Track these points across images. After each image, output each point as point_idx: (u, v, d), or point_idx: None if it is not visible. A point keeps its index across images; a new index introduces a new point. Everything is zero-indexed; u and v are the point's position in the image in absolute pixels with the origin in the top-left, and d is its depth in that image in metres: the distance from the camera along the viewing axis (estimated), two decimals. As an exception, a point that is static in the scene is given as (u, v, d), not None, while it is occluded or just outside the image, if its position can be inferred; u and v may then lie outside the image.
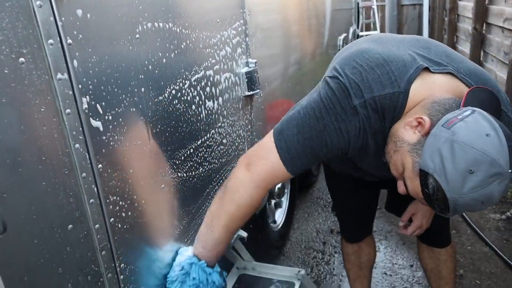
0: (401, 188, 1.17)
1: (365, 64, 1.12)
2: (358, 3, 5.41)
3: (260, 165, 1.24)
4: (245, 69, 1.65)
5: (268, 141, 1.23)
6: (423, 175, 1.04)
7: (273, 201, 2.69)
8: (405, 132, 1.10)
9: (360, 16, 5.40)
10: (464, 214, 3.02)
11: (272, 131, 1.25)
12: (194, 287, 1.26)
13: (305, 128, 1.17)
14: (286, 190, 2.83)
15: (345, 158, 1.32)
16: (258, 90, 1.69)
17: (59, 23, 0.80)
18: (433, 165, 1.00)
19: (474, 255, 2.68)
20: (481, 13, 4.45)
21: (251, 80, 1.65)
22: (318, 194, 3.50)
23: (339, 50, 4.20)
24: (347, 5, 4.59)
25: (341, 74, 1.13)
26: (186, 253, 1.30)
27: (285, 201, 2.84)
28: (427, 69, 1.14)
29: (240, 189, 1.26)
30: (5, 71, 0.71)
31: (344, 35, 4.16)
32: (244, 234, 1.87)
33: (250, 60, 1.69)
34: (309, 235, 2.99)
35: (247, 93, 1.64)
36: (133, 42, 1.00)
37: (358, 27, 5.31)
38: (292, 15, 2.45)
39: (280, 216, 2.79)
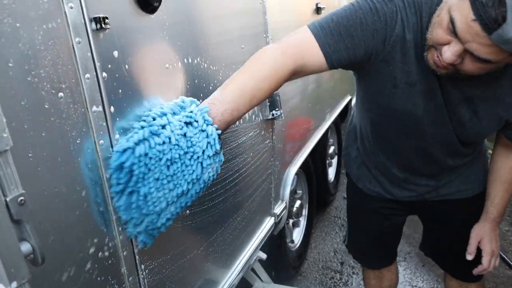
0: (447, 54, 1.03)
1: None
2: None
3: (290, 38, 1.16)
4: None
5: (300, 28, 1.18)
6: None
7: (291, 221, 2.69)
8: None
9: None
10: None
11: None
12: (187, 120, 0.96)
13: (339, 11, 1.14)
14: (304, 210, 2.83)
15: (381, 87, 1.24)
16: (280, 113, 1.71)
17: (96, 58, 0.83)
18: None
19: (498, 278, 2.64)
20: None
21: (273, 103, 1.67)
22: (336, 213, 3.48)
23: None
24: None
25: None
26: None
27: (303, 220, 2.84)
28: None
29: (265, 53, 1.12)
30: (46, 106, 0.74)
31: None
32: (263, 255, 1.88)
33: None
34: (326, 255, 2.97)
35: (270, 116, 1.66)
36: (163, 80, 1.03)
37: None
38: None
39: (297, 235, 2.79)
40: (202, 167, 0.98)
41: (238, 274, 1.60)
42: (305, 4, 2.30)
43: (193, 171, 0.97)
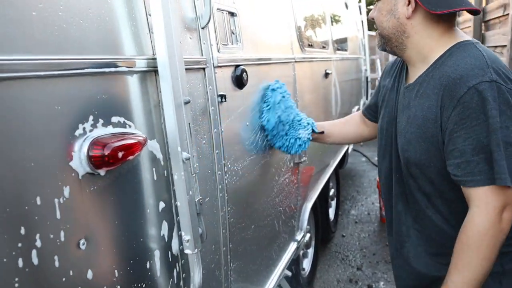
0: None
1: None
2: (367, 77, 6.10)
3: None
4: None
5: None
6: None
7: (301, 252, 3.12)
8: None
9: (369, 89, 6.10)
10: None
11: None
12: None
13: None
14: (312, 242, 3.27)
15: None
16: (306, 159, 2.21)
17: (219, 119, 1.32)
18: None
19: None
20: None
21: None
22: (336, 249, 3.92)
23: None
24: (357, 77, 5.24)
25: None
26: None
27: (311, 251, 3.28)
28: None
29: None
30: (202, 145, 1.22)
31: (356, 107, 4.78)
32: (289, 273, 2.32)
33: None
34: (330, 284, 3.38)
35: (300, 161, 2.15)
36: (247, 134, 1.54)
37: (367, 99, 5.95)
38: (321, 96, 3.03)
39: (307, 265, 3.22)
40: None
41: (274, 286, 2.03)
42: (319, 72, 2.87)
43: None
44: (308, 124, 1.70)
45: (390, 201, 1.40)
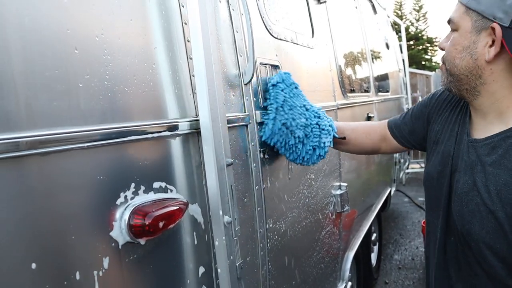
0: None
1: None
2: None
3: None
4: (339, 191, 2.10)
5: None
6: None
7: (343, 301, 2.99)
8: None
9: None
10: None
11: None
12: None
13: None
14: (353, 291, 3.13)
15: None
16: (348, 207, 2.13)
17: (261, 176, 1.29)
18: None
19: None
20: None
21: (344, 200, 2.10)
22: (379, 297, 3.74)
23: (395, 162, 4.56)
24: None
25: None
26: None
27: (352, 301, 3.13)
28: None
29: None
30: (243, 200, 1.19)
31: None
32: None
33: (342, 183, 2.15)
34: (373, 336, 3.21)
35: (343, 210, 2.08)
36: (288, 190, 1.49)
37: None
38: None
39: (349, 314, 3.07)
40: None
41: None
42: (361, 116, 2.82)
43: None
44: (330, 126, 1.41)
45: (438, 259, 1.21)
